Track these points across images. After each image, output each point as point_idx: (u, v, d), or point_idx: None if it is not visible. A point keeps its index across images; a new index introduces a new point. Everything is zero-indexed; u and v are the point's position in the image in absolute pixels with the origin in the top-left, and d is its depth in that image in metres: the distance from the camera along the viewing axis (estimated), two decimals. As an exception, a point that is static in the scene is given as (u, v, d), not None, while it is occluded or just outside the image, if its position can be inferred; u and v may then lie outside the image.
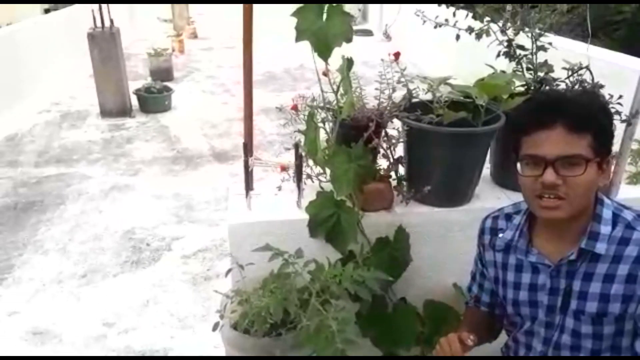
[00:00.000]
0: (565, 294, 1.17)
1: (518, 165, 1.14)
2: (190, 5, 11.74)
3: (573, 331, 1.17)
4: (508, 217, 1.31)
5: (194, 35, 10.95)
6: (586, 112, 1.07)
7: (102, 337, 2.55)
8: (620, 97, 1.75)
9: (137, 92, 6.11)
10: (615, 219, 1.13)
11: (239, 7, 1.61)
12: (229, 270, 1.61)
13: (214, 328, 1.48)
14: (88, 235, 3.48)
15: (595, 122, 1.08)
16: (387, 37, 10.49)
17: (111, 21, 5.74)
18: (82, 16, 6.51)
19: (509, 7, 1.86)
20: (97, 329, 2.61)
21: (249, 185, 1.73)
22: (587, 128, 1.06)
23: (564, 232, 1.16)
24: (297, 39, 1.47)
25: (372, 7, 12.35)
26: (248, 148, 1.69)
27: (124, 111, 5.97)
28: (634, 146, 2.03)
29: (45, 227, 3.58)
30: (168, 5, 11.55)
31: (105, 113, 5.94)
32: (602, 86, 1.76)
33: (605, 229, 1.12)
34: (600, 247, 1.11)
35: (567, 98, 1.13)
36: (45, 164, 4.67)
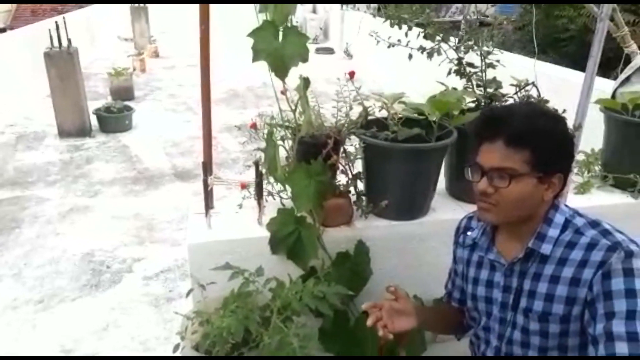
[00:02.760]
0: (517, 292, 1.24)
1: (468, 169, 1.22)
2: (152, 24, 11.67)
3: (523, 328, 1.24)
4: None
5: (156, 54, 10.86)
6: (526, 128, 1.13)
7: (60, 365, 2.47)
8: (565, 110, 1.84)
9: (97, 111, 6.01)
10: (567, 224, 1.19)
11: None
12: (190, 291, 1.59)
13: (174, 350, 1.46)
14: (45, 259, 3.37)
15: (535, 139, 1.12)
16: (348, 55, 10.68)
17: (69, 40, 5.65)
18: (39, 36, 6.38)
19: (462, 25, 1.94)
20: (55, 355, 2.52)
21: (208, 204, 1.73)
22: (524, 144, 1.12)
23: (516, 233, 1.24)
24: (254, 59, 1.50)
25: (333, 26, 12.57)
26: (207, 167, 1.70)
27: (84, 131, 5.85)
28: (580, 157, 2.12)
29: (-1, 252, 3.45)
30: (129, 25, 11.46)
31: (63, 134, 5.80)
32: (547, 101, 1.85)
33: (553, 231, 1.19)
34: (546, 248, 1.18)
35: (510, 114, 1.17)
36: (-2, 187, 4.52)
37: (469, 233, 1.39)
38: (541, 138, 1.13)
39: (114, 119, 6.03)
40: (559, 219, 1.20)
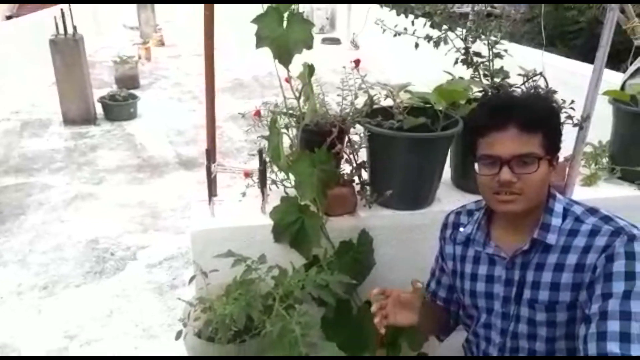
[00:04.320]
0: (519, 285, 1.22)
1: (476, 165, 1.20)
2: (157, 13, 11.62)
3: (529, 320, 1.22)
4: (470, 213, 1.38)
5: (161, 43, 10.82)
6: (536, 113, 1.14)
7: (64, 350, 2.48)
8: (573, 102, 1.82)
9: (102, 99, 6.01)
10: (566, 212, 1.20)
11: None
12: (193, 278, 1.59)
13: (177, 336, 1.46)
14: (49, 245, 3.39)
15: (545, 122, 1.14)
16: (355, 45, 10.60)
17: (74, 28, 5.64)
18: (44, 23, 6.36)
19: (470, 15, 1.92)
20: (59, 341, 2.54)
21: (212, 192, 1.73)
22: (537, 128, 1.13)
23: (519, 225, 1.23)
24: (258, 45, 1.48)
25: (340, 16, 12.47)
26: (211, 154, 1.69)
27: (88, 119, 5.85)
28: (587, 149, 2.10)
29: (4, 238, 3.46)
30: (135, 13, 11.43)
31: (68, 121, 5.81)
32: (555, 92, 1.83)
33: (556, 221, 1.18)
34: (551, 238, 1.17)
35: (517, 101, 1.19)
36: (4, 173, 4.53)
37: (461, 229, 1.36)
38: (549, 120, 1.16)
39: (119, 107, 6.03)
40: (558, 207, 1.20)
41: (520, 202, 1.16)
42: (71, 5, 5.74)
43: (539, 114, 1.14)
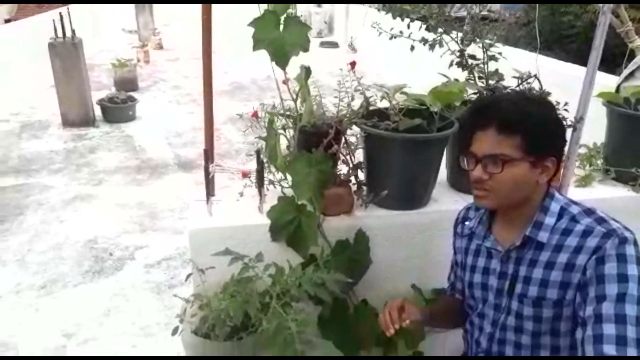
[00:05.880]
0: (512, 279, 1.26)
1: (463, 158, 1.25)
2: (156, 16, 11.65)
3: (517, 313, 1.26)
4: (477, 208, 1.42)
5: (160, 46, 10.86)
6: (516, 115, 1.16)
7: (61, 348, 2.50)
8: (567, 104, 1.84)
9: (101, 102, 6.03)
10: (562, 212, 1.22)
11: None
12: (189, 275, 1.61)
13: (174, 332, 1.48)
14: (48, 245, 3.40)
15: (525, 124, 1.15)
16: (353, 48, 10.64)
17: (73, 31, 5.66)
18: (43, 26, 6.38)
19: (466, 20, 1.95)
20: (56, 340, 2.55)
21: (209, 191, 1.75)
22: (515, 129, 1.15)
23: (514, 220, 1.27)
24: (255, 47, 1.51)
25: (338, 20, 12.52)
26: (209, 154, 1.71)
27: (87, 121, 5.87)
28: (582, 150, 2.13)
29: (3, 238, 3.48)
30: (133, 16, 11.45)
31: (67, 123, 5.83)
32: (549, 94, 1.85)
33: (549, 219, 1.21)
34: (543, 236, 1.20)
35: (499, 102, 1.21)
36: (3, 174, 4.54)
37: (467, 223, 1.42)
38: (531, 123, 1.15)
39: (118, 110, 6.05)
40: (554, 207, 1.22)
41: (490, 199, 1.22)
42: (70, 8, 5.77)
43: (519, 116, 1.15)
